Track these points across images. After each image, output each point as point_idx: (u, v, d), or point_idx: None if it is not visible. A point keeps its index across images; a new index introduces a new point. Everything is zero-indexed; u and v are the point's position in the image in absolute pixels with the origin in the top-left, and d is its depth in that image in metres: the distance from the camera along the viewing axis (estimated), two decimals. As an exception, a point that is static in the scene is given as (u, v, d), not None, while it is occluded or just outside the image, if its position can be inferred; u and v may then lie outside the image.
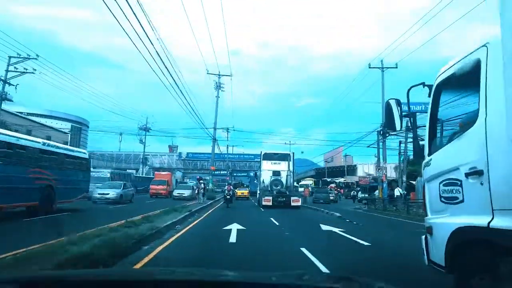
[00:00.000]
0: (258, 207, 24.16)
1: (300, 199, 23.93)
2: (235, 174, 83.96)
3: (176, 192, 31.42)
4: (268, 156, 26.50)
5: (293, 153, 28.08)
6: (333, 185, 53.87)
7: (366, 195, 31.60)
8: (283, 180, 25.27)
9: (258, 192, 27.13)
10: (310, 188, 46.60)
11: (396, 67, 26.97)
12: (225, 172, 61.92)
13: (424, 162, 3.79)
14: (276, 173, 25.43)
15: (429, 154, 3.67)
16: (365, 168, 64.69)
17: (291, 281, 1.73)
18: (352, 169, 68.09)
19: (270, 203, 22.54)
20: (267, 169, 25.85)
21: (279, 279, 1.76)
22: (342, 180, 61.63)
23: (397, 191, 23.47)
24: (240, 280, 1.86)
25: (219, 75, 34.51)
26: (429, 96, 3.71)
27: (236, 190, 36.83)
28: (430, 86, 3.74)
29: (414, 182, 27.52)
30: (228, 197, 23.73)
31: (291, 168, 26.05)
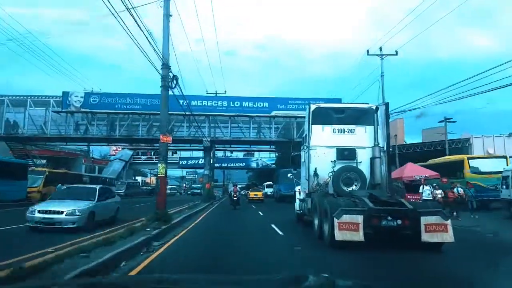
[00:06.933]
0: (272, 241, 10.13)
1: (448, 222, 7.90)
2: (225, 164, 49.66)
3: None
4: (325, 116, 11.24)
5: (387, 103, 11.75)
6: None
7: None
8: (364, 170, 10.51)
9: (300, 196, 13.15)
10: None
11: (396, 54, 25.59)
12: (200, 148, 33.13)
13: None
14: (348, 154, 10.79)
15: None
16: (487, 144, 29.69)
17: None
18: (457, 148, 30.67)
19: (359, 236, 7.58)
20: (324, 145, 11.00)
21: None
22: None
23: None
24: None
25: None
26: None
27: (249, 191, 38.14)
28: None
29: None
30: (235, 198, 23.85)
31: (380, 142, 10.77)
